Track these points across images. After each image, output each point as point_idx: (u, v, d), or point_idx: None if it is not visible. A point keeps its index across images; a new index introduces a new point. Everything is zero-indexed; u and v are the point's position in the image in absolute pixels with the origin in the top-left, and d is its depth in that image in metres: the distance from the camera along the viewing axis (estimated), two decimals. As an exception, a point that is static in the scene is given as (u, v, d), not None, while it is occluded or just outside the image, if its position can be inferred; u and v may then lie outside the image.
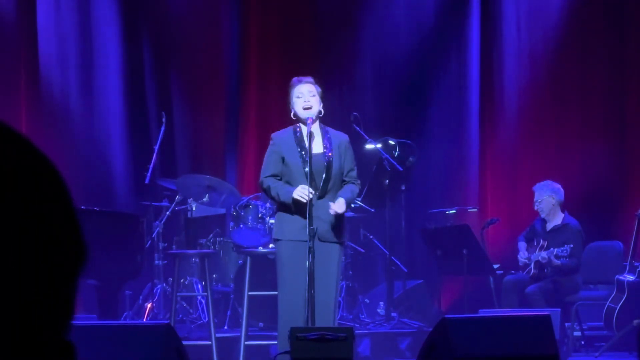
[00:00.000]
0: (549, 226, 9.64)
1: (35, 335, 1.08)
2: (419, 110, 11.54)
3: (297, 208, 6.62)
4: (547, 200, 9.59)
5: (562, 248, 9.09)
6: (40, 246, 1.08)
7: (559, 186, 9.65)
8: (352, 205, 9.77)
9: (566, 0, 11.42)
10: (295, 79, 6.88)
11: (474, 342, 5.74)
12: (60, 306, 1.10)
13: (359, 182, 6.93)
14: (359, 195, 9.63)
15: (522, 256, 9.58)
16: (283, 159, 6.74)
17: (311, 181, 6.62)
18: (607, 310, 8.89)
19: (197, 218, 9.76)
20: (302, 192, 6.54)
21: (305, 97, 6.75)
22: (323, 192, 6.67)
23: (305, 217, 6.57)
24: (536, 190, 9.70)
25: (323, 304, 6.54)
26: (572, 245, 9.11)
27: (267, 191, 6.79)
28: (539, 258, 9.33)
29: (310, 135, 6.63)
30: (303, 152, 6.69)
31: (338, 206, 6.62)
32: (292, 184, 6.68)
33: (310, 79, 6.85)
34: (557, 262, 9.15)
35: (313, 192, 6.56)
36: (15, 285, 1.06)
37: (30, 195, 1.08)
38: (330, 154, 6.73)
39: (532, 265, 9.44)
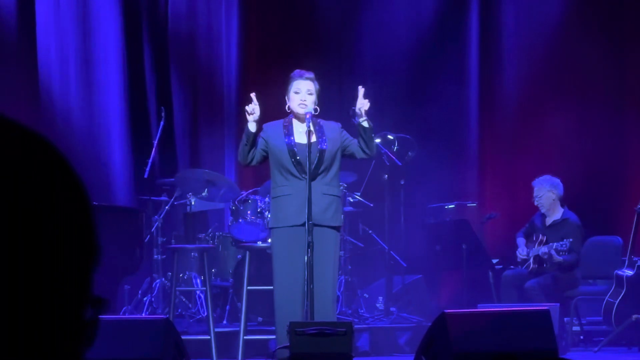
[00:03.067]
0: (549, 221, 9.63)
1: (45, 334, 1.07)
2: (418, 105, 11.54)
3: (292, 188, 6.67)
4: (547, 195, 9.57)
5: (561, 242, 9.08)
6: (54, 242, 1.07)
7: (558, 181, 9.64)
8: (351, 200, 9.79)
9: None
10: (296, 71, 6.90)
11: (472, 337, 5.74)
12: (73, 303, 1.10)
13: None
14: (358, 189, 9.65)
15: (521, 252, 9.56)
16: (267, 145, 6.80)
17: (298, 166, 6.67)
18: (606, 305, 8.90)
19: (196, 212, 9.75)
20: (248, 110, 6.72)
21: (303, 95, 6.79)
22: (315, 175, 6.67)
23: (298, 200, 6.60)
24: (535, 185, 9.68)
25: (320, 295, 6.52)
26: (571, 240, 9.10)
27: (239, 154, 6.94)
28: (539, 253, 9.32)
29: (309, 133, 6.66)
30: (291, 142, 6.75)
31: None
32: (283, 173, 6.73)
33: (311, 74, 6.87)
34: (558, 258, 9.14)
35: (254, 99, 6.72)
36: (25, 283, 1.05)
37: (42, 190, 1.07)
38: (324, 144, 6.76)
39: (531, 260, 9.44)
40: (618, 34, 11.31)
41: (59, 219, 1.08)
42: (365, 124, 6.73)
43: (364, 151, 6.80)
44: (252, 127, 6.73)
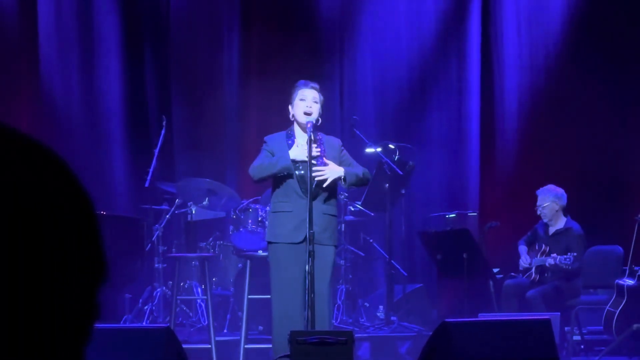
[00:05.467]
0: (551, 230, 9.62)
1: (50, 348, 1.08)
2: (419, 114, 11.56)
3: (292, 205, 6.65)
4: (551, 205, 9.56)
5: (565, 256, 9.05)
6: (55, 253, 1.08)
7: (562, 191, 9.62)
8: (352, 209, 9.79)
9: (567, 5, 11.44)
10: (302, 81, 6.88)
11: (474, 346, 5.74)
12: (75, 321, 1.10)
13: (366, 170, 6.95)
14: (358, 199, 9.64)
15: (524, 261, 9.55)
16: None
17: (302, 184, 6.64)
18: (606, 314, 8.89)
19: (197, 221, 9.76)
20: (300, 150, 6.58)
21: (308, 102, 6.76)
22: (316, 194, 6.66)
23: (298, 218, 6.60)
24: (539, 194, 9.68)
25: (317, 307, 6.52)
26: (575, 254, 9.08)
27: (257, 168, 6.73)
28: (546, 264, 9.28)
29: (310, 141, 6.63)
30: (298, 164, 6.72)
31: (328, 168, 6.64)
32: (285, 189, 6.71)
33: (316, 85, 6.86)
34: (564, 267, 9.09)
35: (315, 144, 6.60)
36: (25, 293, 1.06)
37: (45, 200, 1.07)
38: (323, 158, 6.74)
39: (534, 269, 9.42)
40: (620, 46, 11.32)
41: (62, 230, 1.08)
42: (342, 183, 6.73)
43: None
44: (291, 163, 6.69)
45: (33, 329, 1.05)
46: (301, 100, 6.78)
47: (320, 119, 6.83)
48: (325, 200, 6.73)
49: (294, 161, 6.68)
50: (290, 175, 6.69)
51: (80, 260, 1.09)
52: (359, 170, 6.85)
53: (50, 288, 1.06)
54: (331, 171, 6.65)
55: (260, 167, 6.72)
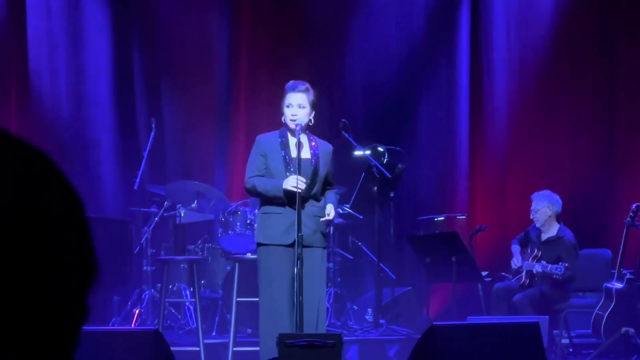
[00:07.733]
0: (544, 236, 9.58)
1: (46, 349, 1.08)
2: (408, 117, 11.56)
3: (285, 204, 6.64)
4: (543, 210, 9.54)
5: (556, 266, 9.03)
6: (51, 262, 1.08)
7: (557, 197, 9.59)
8: (341, 212, 9.80)
9: (556, 7, 11.46)
10: (290, 84, 6.84)
11: (462, 349, 5.74)
12: (67, 322, 1.10)
13: (337, 190, 7.00)
14: (347, 202, 9.66)
15: (516, 262, 9.53)
16: (266, 160, 6.75)
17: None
18: (595, 317, 8.90)
19: (186, 224, 9.74)
20: (294, 182, 6.55)
21: (294, 109, 6.74)
22: (307, 196, 6.65)
23: (288, 220, 6.60)
24: (534, 198, 9.64)
25: (309, 310, 6.52)
26: (566, 265, 9.06)
27: (253, 190, 6.75)
28: (534, 271, 9.27)
29: (299, 144, 6.62)
30: (287, 157, 6.71)
31: (332, 214, 6.69)
32: None
33: (303, 86, 6.80)
34: (554, 275, 9.07)
35: (304, 181, 6.56)
36: (30, 299, 1.06)
37: (41, 203, 1.08)
38: (316, 160, 6.74)
39: (524, 273, 9.42)
40: (609, 50, 11.34)
41: (61, 230, 1.09)
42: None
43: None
44: (283, 194, 6.68)
45: (33, 329, 1.05)
46: (287, 107, 6.77)
47: (312, 120, 6.82)
48: (316, 203, 6.73)
49: (286, 159, 6.69)
50: (280, 176, 6.68)
51: (76, 260, 1.10)
52: (335, 196, 6.96)
53: (49, 288, 1.07)
54: (333, 213, 6.73)
55: (254, 189, 6.71)
